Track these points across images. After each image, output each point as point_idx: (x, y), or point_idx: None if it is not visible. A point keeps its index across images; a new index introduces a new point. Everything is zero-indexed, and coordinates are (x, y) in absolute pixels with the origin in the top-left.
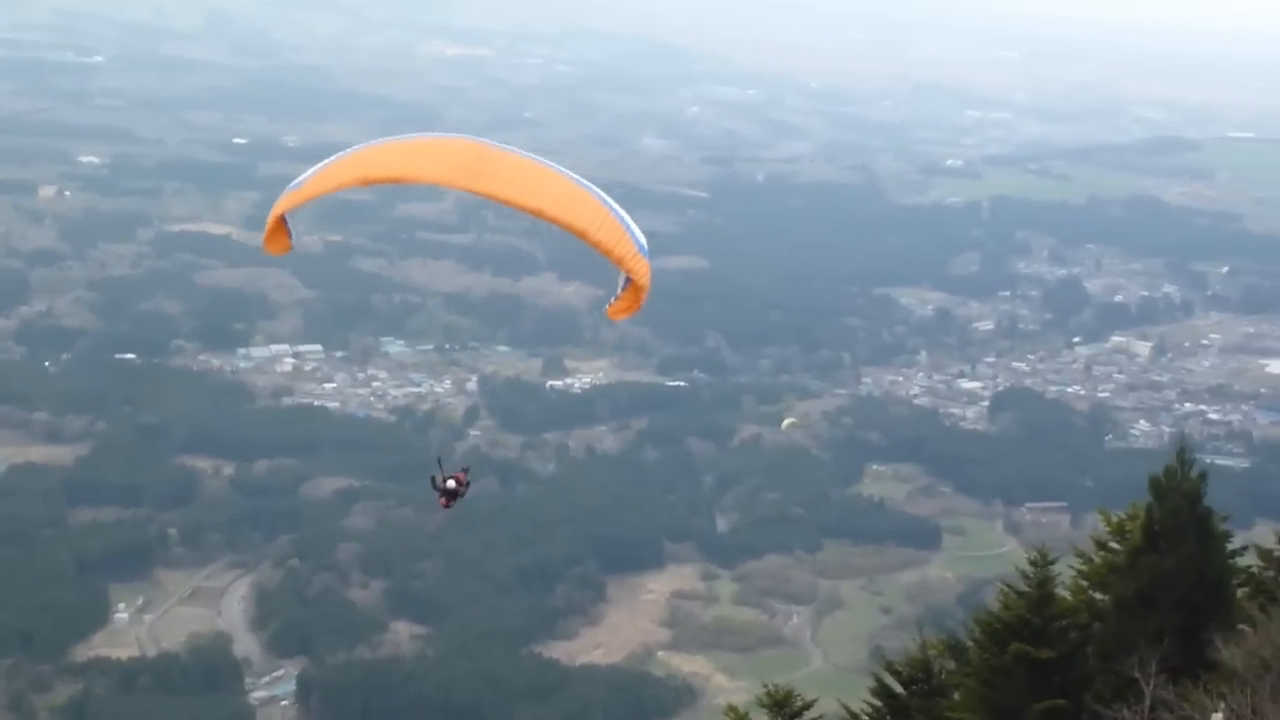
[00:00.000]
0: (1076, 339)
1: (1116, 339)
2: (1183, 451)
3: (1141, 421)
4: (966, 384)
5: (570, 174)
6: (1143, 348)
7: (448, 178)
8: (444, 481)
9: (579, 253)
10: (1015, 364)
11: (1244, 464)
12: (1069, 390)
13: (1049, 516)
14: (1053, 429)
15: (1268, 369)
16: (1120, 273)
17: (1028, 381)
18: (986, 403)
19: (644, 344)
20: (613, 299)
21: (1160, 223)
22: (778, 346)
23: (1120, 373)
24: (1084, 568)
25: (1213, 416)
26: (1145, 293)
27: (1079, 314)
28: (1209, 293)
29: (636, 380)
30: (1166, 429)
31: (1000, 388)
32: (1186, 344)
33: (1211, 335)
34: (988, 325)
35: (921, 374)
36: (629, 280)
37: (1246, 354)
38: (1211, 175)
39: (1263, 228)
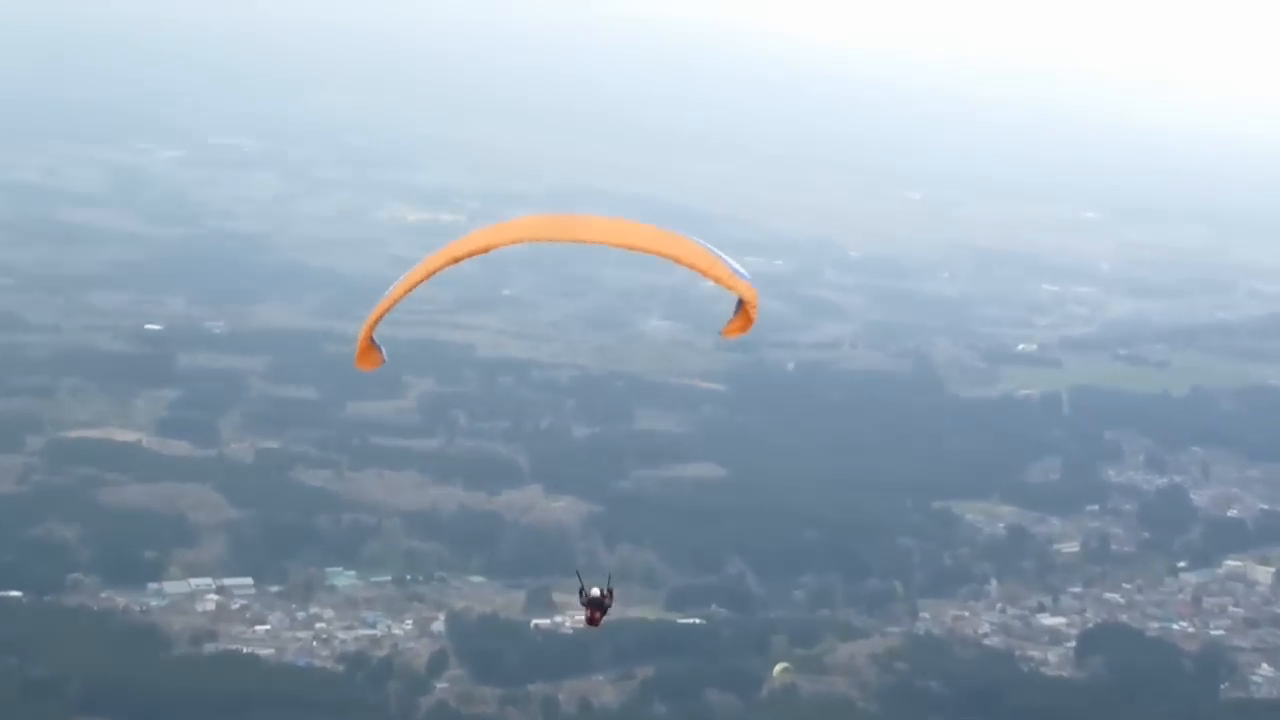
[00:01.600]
0: (1182, 564)
1: (1231, 563)
2: None
3: (1264, 665)
4: (1048, 620)
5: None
6: (1264, 574)
7: (542, 234)
8: (588, 593)
9: (569, 461)
10: (1107, 595)
11: None
12: (1174, 627)
13: None
14: (1155, 675)
15: None
16: (1234, 481)
17: (1123, 616)
18: (1073, 643)
19: (650, 572)
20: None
21: None
22: (814, 574)
23: (1237, 605)
24: None
25: None
26: (1265, 506)
27: (1185, 533)
28: None
29: (641, 617)
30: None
31: (1089, 624)
32: None
33: None
34: (1072, 547)
35: (992, 607)
36: (740, 303)
37: None
38: None
39: None
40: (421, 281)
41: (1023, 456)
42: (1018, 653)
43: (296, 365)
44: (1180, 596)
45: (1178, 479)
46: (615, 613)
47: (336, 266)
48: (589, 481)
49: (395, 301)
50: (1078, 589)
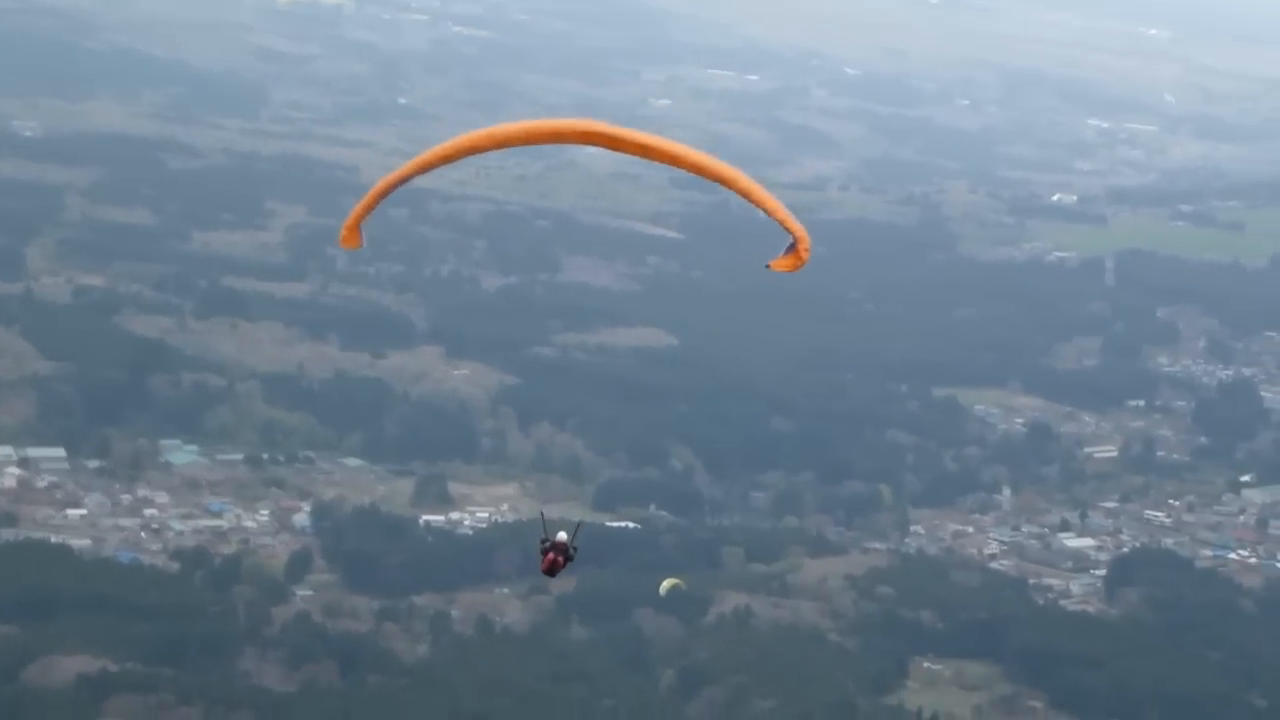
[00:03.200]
0: (1246, 478)
1: None
2: None
3: None
4: (1072, 541)
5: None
6: None
7: (593, 134)
8: (552, 538)
9: (476, 318)
10: (1149, 513)
11: None
12: (1232, 556)
13: None
14: (1205, 615)
15: None
16: None
17: (1167, 541)
18: (1102, 571)
19: (574, 462)
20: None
21: None
22: (781, 472)
23: None
24: None
25: None
26: None
27: (1252, 439)
28: None
29: (561, 517)
30: None
31: (1124, 549)
32: None
33: None
34: (1108, 452)
35: (1003, 523)
36: (793, 244)
37: None
38: None
39: None
40: (445, 162)
41: (1052, 335)
42: (1033, 581)
43: (129, 181)
44: (1241, 519)
45: (1247, 371)
46: (529, 510)
47: (186, 57)
48: (501, 345)
49: (404, 178)
50: (1112, 504)
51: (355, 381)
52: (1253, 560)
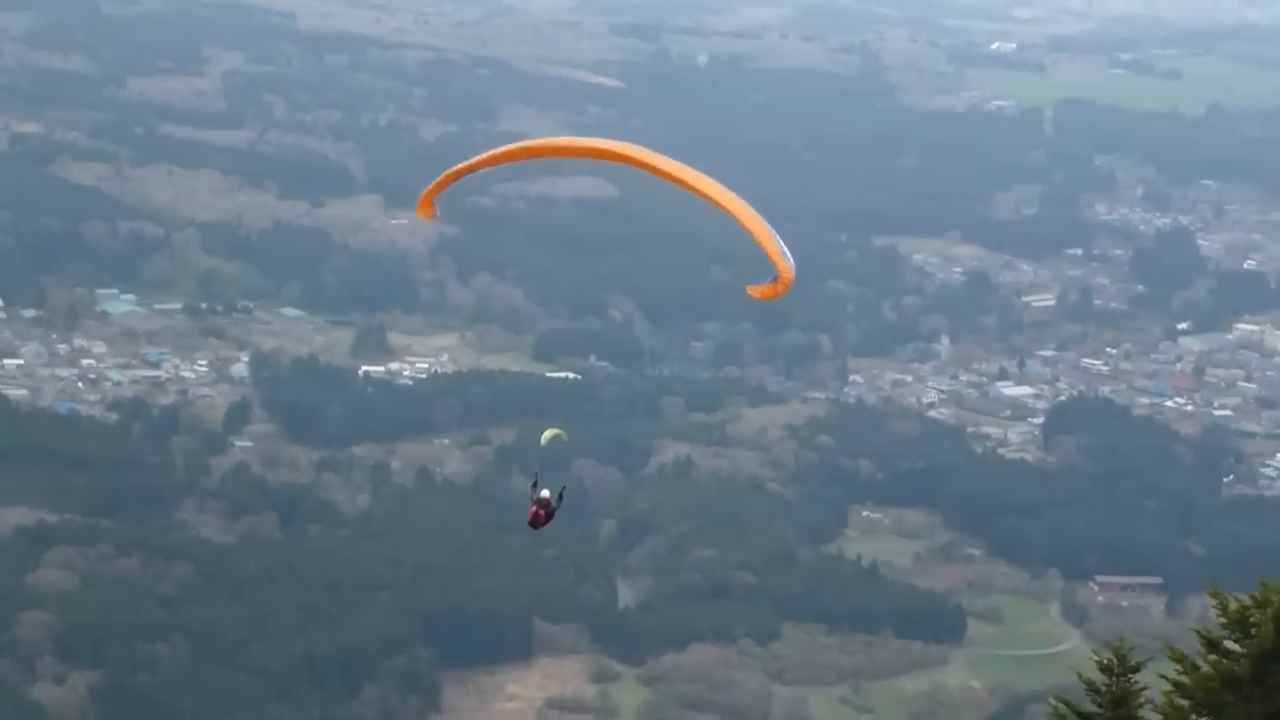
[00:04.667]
0: (1183, 326)
1: (1245, 327)
2: None
3: (1279, 455)
4: (1010, 390)
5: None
6: None
7: (617, 153)
8: (538, 493)
9: (415, 167)
10: (1087, 361)
11: None
12: (1169, 404)
13: (1132, 598)
14: (1142, 463)
15: None
16: (1255, 225)
17: (1105, 389)
18: (1040, 419)
19: (514, 312)
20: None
21: None
22: (720, 322)
23: (1249, 379)
24: (1184, 679)
25: None
26: None
27: (1188, 287)
28: None
29: (500, 368)
30: None
31: (1062, 397)
32: None
33: None
34: (1046, 300)
35: (941, 372)
36: (776, 276)
37: None
38: None
39: None
40: (520, 158)
41: (990, 184)
42: (971, 429)
43: (65, 27)
44: (1178, 367)
45: (1184, 219)
46: (468, 360)
47: None
48: (440, 195)
49: (479, 166)
50: (1050, 352)
51: (294, 231)
52: (1189, 408)
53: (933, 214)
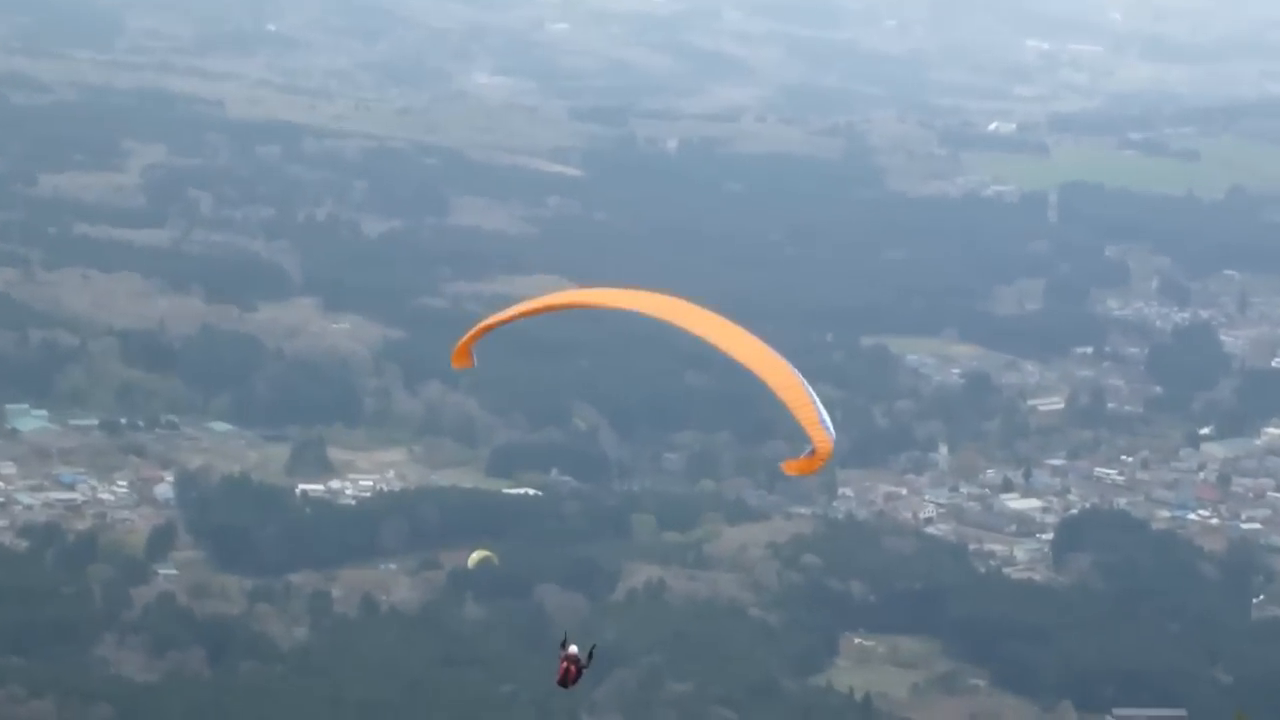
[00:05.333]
0: (1206, 430)
1: (1275, 431)
2: None
3: None
4: (1016, 503)
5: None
6: None
7: (661, 312)
8: (567, 649)
9: (356, 267)
10: (1100, 470)
11: None
12: (1192, 517)
13: None
14: (1163, 582)
15: None
16: None
17: (1121, 501)
18: (1049, 535)
19: (468, 423)
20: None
21: None
22: (695, 431)
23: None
24: None
25: None
26: None
27: (1211, 388)
28: None
29: (452, 484)
30: None
31: (1073, 510)
32: None
33: None
34: (1055, 404)
35: (940, 484)
36: (812, 449)
37: None
38: None
39: None
40: (559, 308)
41: (990, 277)
42: (973, 547)
43: None
44: (1201, 476)
45: (1204, 313)
46: (417, 477)
47: None
48: (384, 296)
49: (515, 318)
50: (1059, 461)
51: (222, 338)
52: (1214, 521)
53: (927, 310)
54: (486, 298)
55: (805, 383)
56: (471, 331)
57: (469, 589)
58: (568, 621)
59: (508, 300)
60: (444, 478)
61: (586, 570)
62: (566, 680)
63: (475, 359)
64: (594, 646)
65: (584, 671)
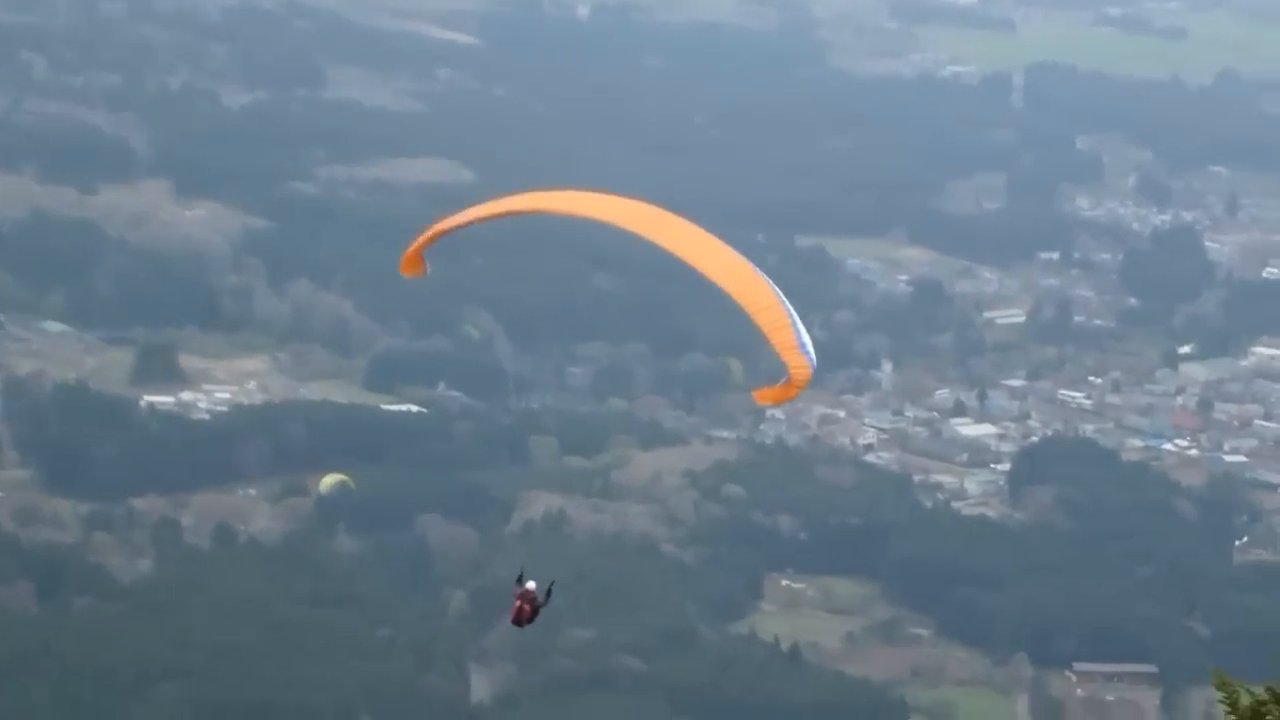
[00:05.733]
0: (1186, 348)
1: (1264, 351)
2: None
3: None
4: (969, 429)
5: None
6: None
7: (627, 220)
8: (524, 585)
9: (214, 145)
10: (1065, 393)
11: None
12: (1168, 447)
13: (1120, 690)
14: (1133, 521)
15: None
16: (1275, 224)
17: (1088, 428)
18: (1007, 466)
19: (342, 327)
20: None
21: None
22: (604, 342)
23: (1268, 417)
24: None
25: None
26: None
27: (1193, 301)
28: None
29: (323, 398)
30: None
31: (1034, 438)
32: None
33: None
34: (1014, 317)
35: (882, 405)
36: (788, 377)
37: None
38: None
39: None
40: (492, 217)
41: (945, 171)
42: (919, 478)
43: None
44: (1180, 401)
45: (1187, 216)
46: (282, 389)
47: None
48: (247, 180)
49: (471, 222)
50: (1018, 382)
51: (58, 224)
52: (1193, 452)
53: (872, 208)
54: (365, 184)
55: (784, 300)
56: (428, 233)
57: (340, 519)
58: (455, 557)
59: (389, 187)
60: (313, 391)
61: (477, 499)
62: (521, 619)
63: (428, 265)
64: (552, 583)
65: (539, 611)
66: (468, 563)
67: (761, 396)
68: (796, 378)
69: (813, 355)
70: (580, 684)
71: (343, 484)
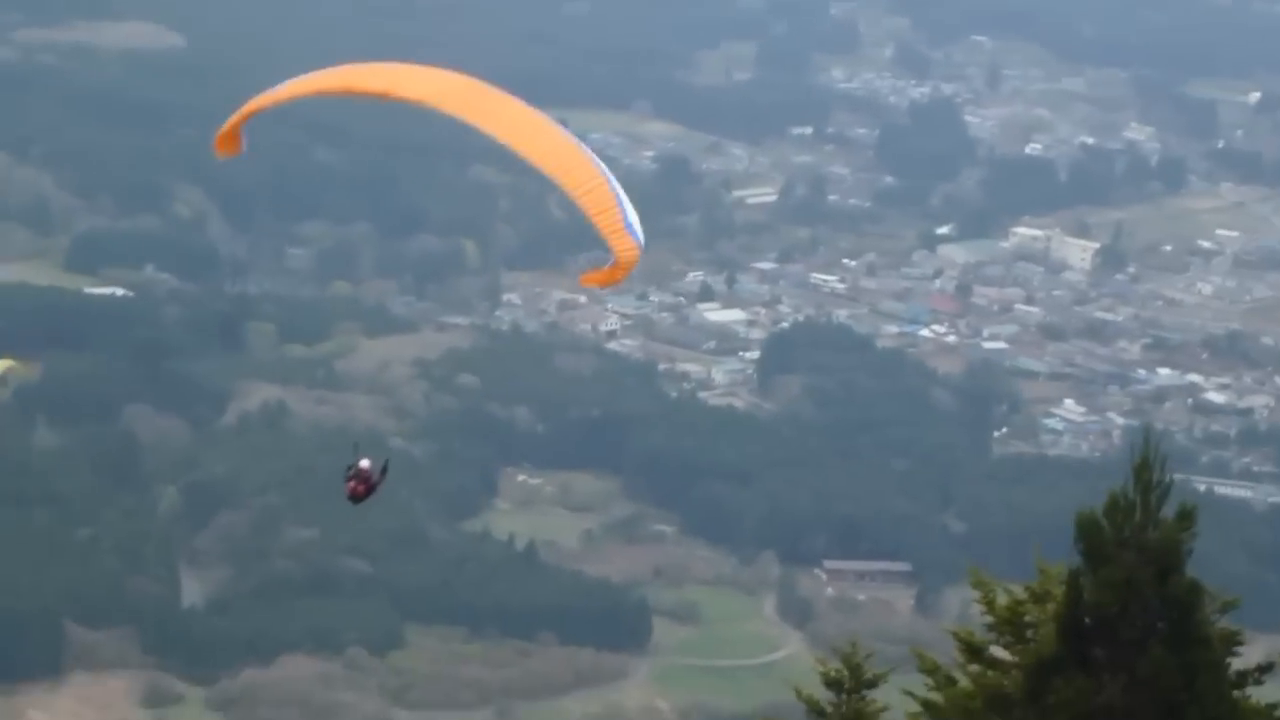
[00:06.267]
0: (944, 229)
1: (1026, 231)
2: (1148, 464)
3: (1068, 402)
4: (716, 314)
5: (568, 133)
6: (1079, 250)
7: (439, 100)
8: (357, 465)
9: None
10: (818, 277)
11: (1277, 497)
12: (924, 334)
13: (872, 589)
14: (888, 411)
15: None
16: (1039, 97)
17: (841, 313)
18: (755, 353)
19: (41, 203)
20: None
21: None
22: (326, 221)
23: (1030, 301)
24: (937, 695)
25: (1215, 397)
26: (1091, 139)
27: (952, 179)
28: (1220, 144)
29: (20, 280)
30: (1119, 420)
31: (784, 323)
32: (1169, 247)
33: (1221, 231)
34: (765, 196)
35: (625, 290)
36: (615, 260)
37: None
38: None
39: None
40: (305, 95)
41: (691, 40)
42: (664, 366)
43: None
44: (938, 284)
45: (947, 89)
46: None
47: None
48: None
49: (287, 98)
50: (768, 265)
51: None
52: (951, 338)
53: (613, 79)
54: (64, 48)
55: (610, 178)
56: (244, 109)
57: (40, 410)
58: (165, 451)
59: (91, 52)
60: (9, 273)
61: (189, 390)
62: (355, 497)
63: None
64: (387, 460)
65: (376, 488)
66: (179, 457)
67: (587, 280)
68: (624, 260)
69: (640, 235)
70: (301, 587)
71: (11, 370)
